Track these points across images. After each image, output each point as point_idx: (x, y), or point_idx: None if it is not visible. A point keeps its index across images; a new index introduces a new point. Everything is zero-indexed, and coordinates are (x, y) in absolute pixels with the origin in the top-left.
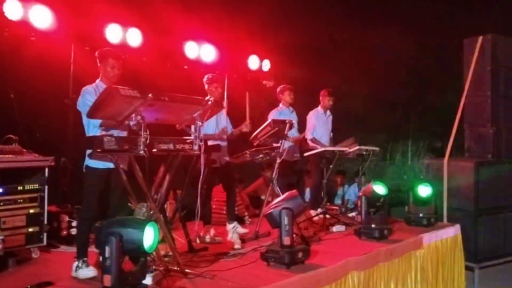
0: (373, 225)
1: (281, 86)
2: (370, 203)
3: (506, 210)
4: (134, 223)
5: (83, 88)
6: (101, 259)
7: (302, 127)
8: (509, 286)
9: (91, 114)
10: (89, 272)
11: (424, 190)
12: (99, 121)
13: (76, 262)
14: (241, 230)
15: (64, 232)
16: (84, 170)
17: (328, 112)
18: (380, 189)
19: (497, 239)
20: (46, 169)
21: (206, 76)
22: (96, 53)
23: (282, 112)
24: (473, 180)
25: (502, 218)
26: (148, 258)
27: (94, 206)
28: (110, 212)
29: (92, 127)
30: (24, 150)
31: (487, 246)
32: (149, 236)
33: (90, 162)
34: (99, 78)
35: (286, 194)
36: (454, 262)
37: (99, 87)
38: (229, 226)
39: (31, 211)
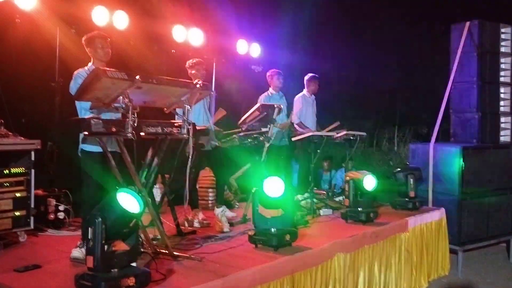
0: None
1: (271, 70)
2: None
3: (490, 194)
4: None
5: (75, 71)
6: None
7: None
8: (491, 268)
9: (78, 96)
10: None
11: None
12: (89, 104)
13: (80, 242)
14: (230, 214)
15: (51, 216)
16: (79, 154)
17: (313, 96)
18: None
19: (481, 222)
20: (33, 153)
21: (187, 62)
22: (83, 40)
23: (272, 96)
24: (458, 164)
25: (486, 202)
26: (139, 240)
27: (94, 189)
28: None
29: (84, 111)
30: (10, 133)
31: (470, 229)
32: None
33: (85, 146)
34: (91, 61)
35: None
36: (438, 245)
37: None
38: (218, 210)
39: (18, 194)
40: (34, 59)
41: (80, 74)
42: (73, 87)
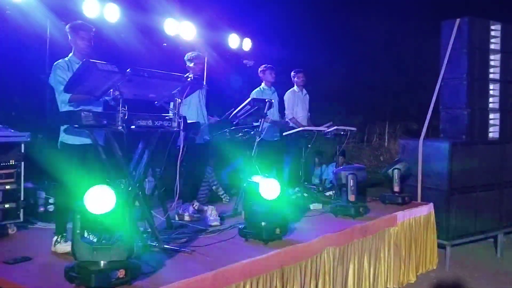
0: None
1: (263, 65)
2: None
3: (478, 189)
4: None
5: (55, 62)
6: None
7: (283, 107)
8: (479, 263)
9: (68, 89)
10: (67, 246)
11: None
12: (68, 97)
13: (55, 237)
14: (220, 207)
15: (41, 209)
16: (59, 146)
17: (304, 91)
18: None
19: (469, 218)
20: (23, 145)
21: (187, 54)
22: (66, 27)
23: (264, 91)
24: (447, 160)
25: (474, 197)
26: None
27: (72, 183)
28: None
29: (64, 104)
30: (0, 125)
31: (458, 224)
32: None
33: (65, 138)
34: (72, 52)
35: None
36: (426, 239)
37: (72, 62)
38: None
39: (8, 187)
40: (24, 51)
41: (59, 65)
42: (52, 79)
